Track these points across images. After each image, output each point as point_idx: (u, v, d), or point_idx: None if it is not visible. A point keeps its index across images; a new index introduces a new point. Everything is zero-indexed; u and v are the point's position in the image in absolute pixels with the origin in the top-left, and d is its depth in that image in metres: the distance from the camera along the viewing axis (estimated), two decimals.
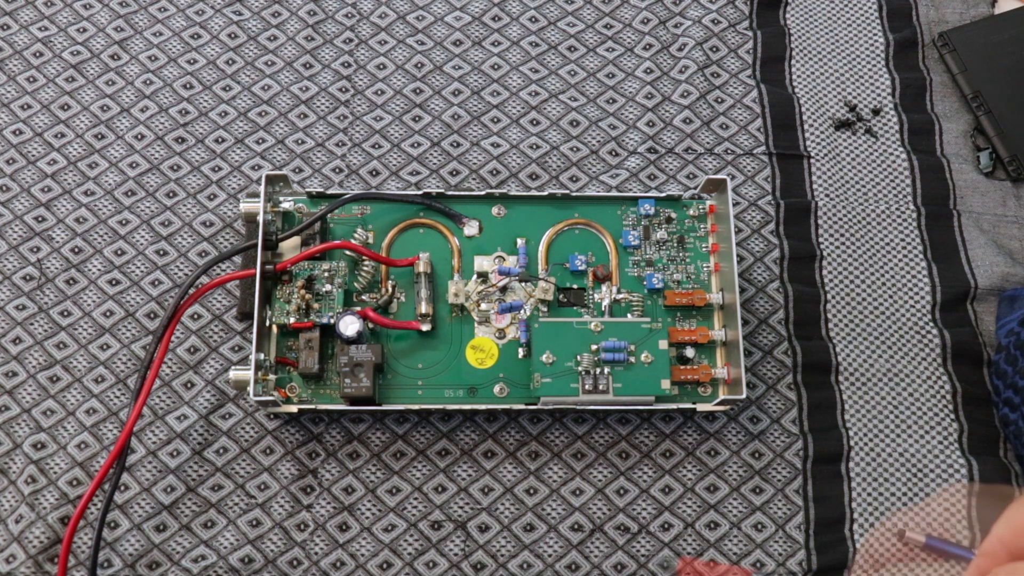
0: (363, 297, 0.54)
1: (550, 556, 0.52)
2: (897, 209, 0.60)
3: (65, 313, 0.56)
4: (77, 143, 0.60)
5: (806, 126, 0.62)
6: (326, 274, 0.54)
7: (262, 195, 0.53)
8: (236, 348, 0.55)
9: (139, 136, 0.60)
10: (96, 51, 0.62)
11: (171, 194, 0.59)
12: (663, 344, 0.52)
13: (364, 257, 0.54)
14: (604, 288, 0.55)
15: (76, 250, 0.57)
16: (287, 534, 0.52)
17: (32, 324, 0.56)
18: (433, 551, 0.52)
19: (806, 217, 0.59)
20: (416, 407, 0.52)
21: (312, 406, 0.52)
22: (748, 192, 0.60)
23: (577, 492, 0.53)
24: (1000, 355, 0.55)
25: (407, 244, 0.56)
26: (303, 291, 0.53)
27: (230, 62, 0.62)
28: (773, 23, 0.65)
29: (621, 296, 0.55)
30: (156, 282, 0.57)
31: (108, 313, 0.56)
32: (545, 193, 0.56)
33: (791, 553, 0.52)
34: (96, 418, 0.54)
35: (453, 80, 0.62)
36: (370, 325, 0.53)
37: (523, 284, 0.55)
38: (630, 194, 0.57)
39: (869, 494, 0.53)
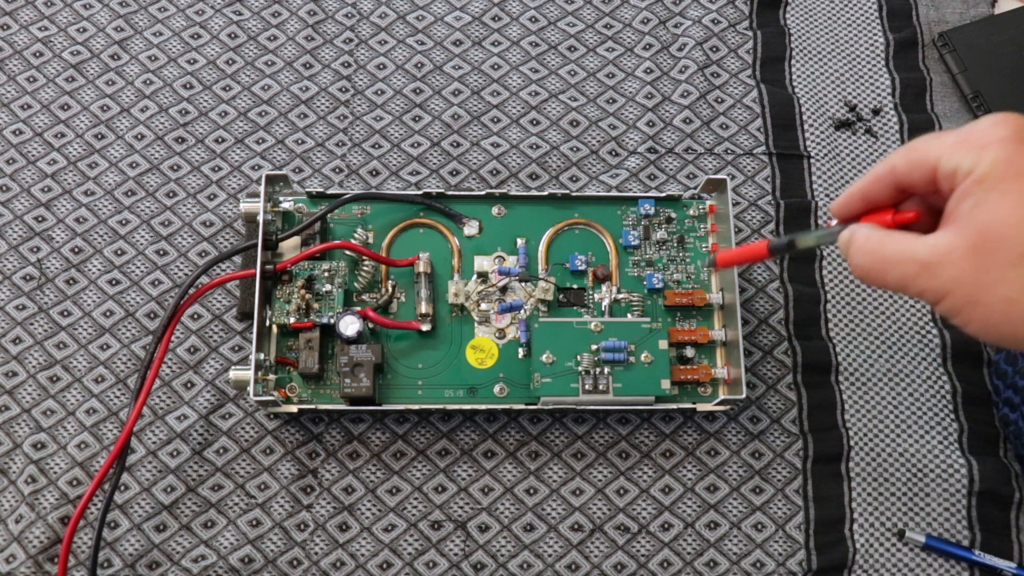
0: (363, 297, 0.54)
1: (550, 556, 0.52)
2: None
3: (65, 313, 0.56)
4: (77, 143, 0.60)
5: (806, 126, 0.62)
6: (326, 274, 0.54)
7: (262, 195, 0.53)
8: (236, 348, 0.55)
9: (139, 136, 0.60)
10: (96, 51, 0.62)
11: (171, 194, 0.59)
12: (663, 344, 0.52)
13: (364, 257, 0.54)
14: (604, 288, 0.55)
15: (76, 250, 0.57)
16: (287, 534, 0.52)
17: (32, 324, 0.56)
18: (433, 551, 0.52)
19: (806, 217, 0.59)
20: (416, 407, 0.52)
21: (312, 406, 0.52)
22: (748, 192, 0.60)
23: (577, 492, 0.53)
24: (1000, 355, 0.55)
25: (407, 244, 0.56)
26: (303, 291, 0.53)
27: (230, 62, 0.62)
28: (773, 23, 0.65)
29: (621, 296, 0.55)
30: (156, 282, 0.57)
31: (108, 313, 0.56)
32: (545, 193, 0.56)
33: (791, 553, 0.52)
34: (96, 418, 0.54)
35: (453, 80, 0.62)
36: (370, 325, 0.53)
37: (523, 284, 0.55)
38: (630, 194, 0.57)
39: (869, 494, 0.53)
